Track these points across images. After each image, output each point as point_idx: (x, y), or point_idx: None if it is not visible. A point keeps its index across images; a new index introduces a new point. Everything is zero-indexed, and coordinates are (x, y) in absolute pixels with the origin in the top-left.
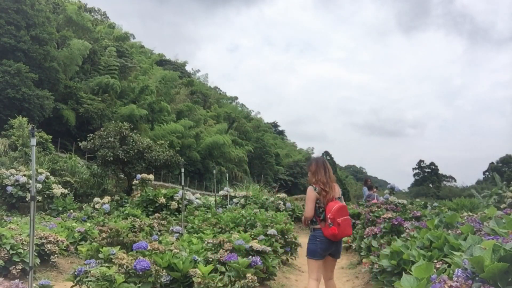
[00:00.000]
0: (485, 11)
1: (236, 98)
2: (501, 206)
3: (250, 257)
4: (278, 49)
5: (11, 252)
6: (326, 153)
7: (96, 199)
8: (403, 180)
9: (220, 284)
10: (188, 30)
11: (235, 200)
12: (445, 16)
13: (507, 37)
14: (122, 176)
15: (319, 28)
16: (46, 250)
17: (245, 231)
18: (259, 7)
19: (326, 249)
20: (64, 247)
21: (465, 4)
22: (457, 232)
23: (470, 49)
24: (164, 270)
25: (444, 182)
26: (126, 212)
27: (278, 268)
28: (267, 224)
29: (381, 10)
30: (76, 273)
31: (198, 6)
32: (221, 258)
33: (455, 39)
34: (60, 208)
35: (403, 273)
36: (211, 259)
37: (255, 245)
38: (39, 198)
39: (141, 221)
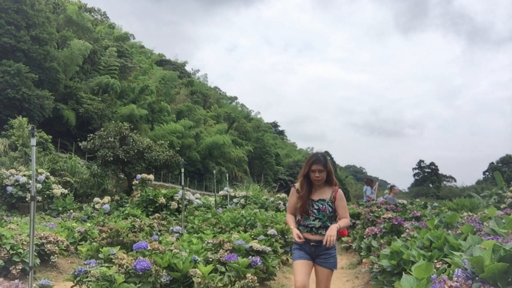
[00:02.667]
0: (483, 11)
1: (236, 98)
2: (501, 206)
3: (250, 257)
4: (277, 49)
5: (11, 252)
6: (326, 153)
7: (96, 199)
8: (403, 180)
9: (220, 284)
10: (187, 30)
11: (235, 200)
12: (443, 17)
13: (506, 37)
14: (122, 176)
15: (318, 28)
16: (46, 250)
17: (245, 231)
18: (257, 7)
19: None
20: (64, 247)
21: (463, 4)
22: (457, 232)
23: (469, 49)
24: (164, 270)
25: (444, 182)
26: (126, 212)
27: (278, 268)
28: (267, 224)
29: (379, 10)
30: (76, 273)
31: (196, 5)
32: (221, 258)
33: (453, 39)
34: (60, 208)
35: (403, 273)
36: (211, 259)
37: (255, 245)
38: (39, 198)
39: (141, 221)
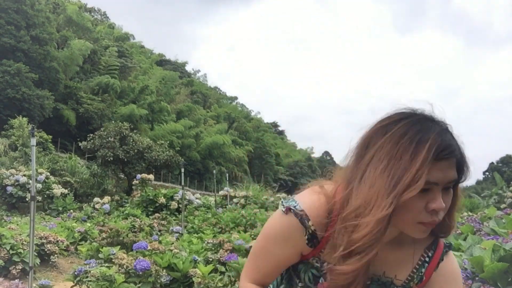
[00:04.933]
0: (482, 12)
1: (235, 98)
2: (501, 206)
3: None
4: (277, 49)
5: (11, 252)
6: (326, 153)
7: (96, 199)
8: None
9: (220, 284)
10: (186, 29)
11: (235, 200)
12: (442, 17)
13: (504, 37)
14: (122, 176)
15: (317, 28)
16: (46, 250)
17: (245, 231)
18: (256, 6)
19: None
20: (64, 247)
21: (462, 5)
22: (457, 232)
23: (468, 49)
24: (164, 270)
25: None
26: (126, 212)
27: None
28: None
29: (378, 11)
30: (76, 273)
31: (195, 5)
32: (221, 258)
33: (452, 39)
34: (60, 208)
35: None
36: (211, 259)
37: None
38: (39, 198)
39: (141, 221)
